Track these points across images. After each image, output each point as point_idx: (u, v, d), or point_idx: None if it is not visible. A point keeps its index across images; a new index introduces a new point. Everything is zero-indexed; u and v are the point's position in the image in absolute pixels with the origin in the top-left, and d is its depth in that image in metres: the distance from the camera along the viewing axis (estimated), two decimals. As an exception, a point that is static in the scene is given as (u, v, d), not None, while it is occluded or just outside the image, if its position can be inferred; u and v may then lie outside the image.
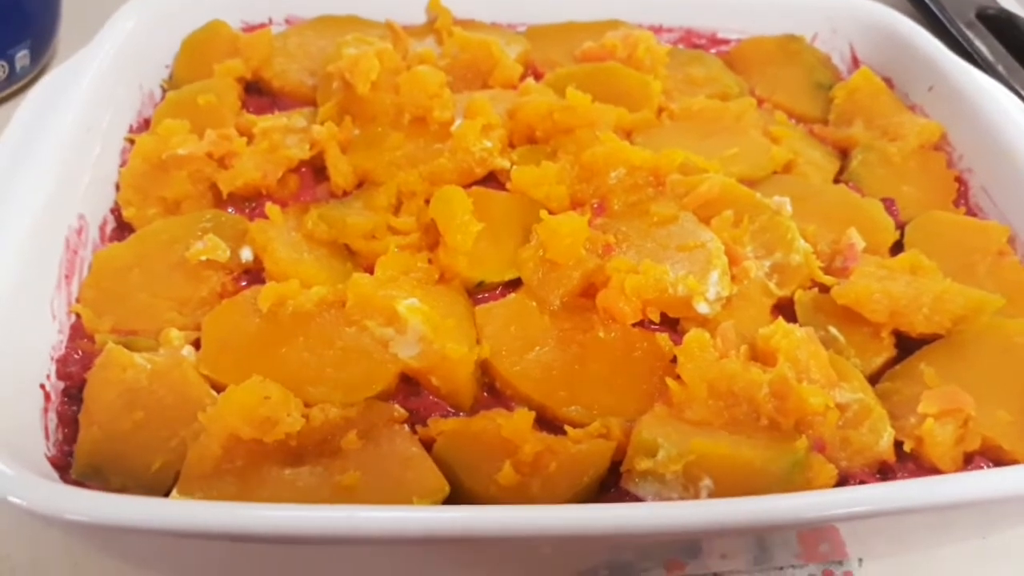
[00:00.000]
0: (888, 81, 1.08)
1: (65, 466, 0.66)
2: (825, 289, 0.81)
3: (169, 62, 1.00)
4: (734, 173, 0.90)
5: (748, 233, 0.83)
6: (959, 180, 0.95)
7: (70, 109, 0.82)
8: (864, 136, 0.98)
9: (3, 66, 1.12)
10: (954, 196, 0.94)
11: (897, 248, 0.87)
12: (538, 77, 1.04)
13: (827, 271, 0.83)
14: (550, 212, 0.85)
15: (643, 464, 0.66)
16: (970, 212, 0.93)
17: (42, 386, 0.69)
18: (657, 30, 1.13)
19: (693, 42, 1.13)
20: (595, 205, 0.87)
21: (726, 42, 1.14)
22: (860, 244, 0.84)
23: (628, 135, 0.95)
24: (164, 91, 0.98)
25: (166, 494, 0.64)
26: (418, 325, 0.72)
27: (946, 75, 1.00)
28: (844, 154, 0.99)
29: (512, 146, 0.93)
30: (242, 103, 0.96)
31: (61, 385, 0.71)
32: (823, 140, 1.01)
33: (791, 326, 0.74)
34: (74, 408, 0.70)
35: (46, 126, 0.80)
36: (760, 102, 1.05)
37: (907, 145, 0.96)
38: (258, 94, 0.99)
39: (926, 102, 1.03)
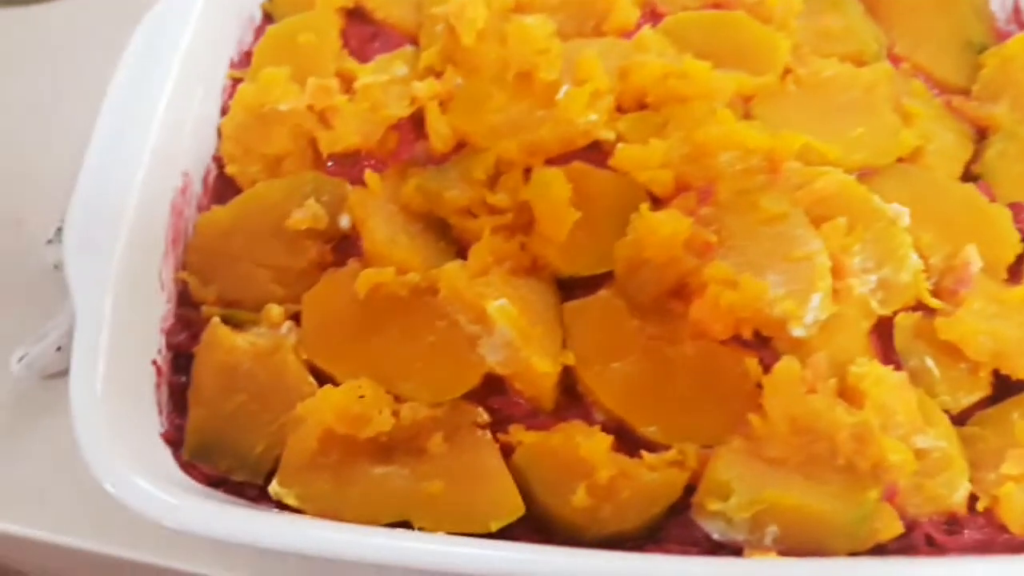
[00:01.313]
0: (1051, 43, 0.96)
1: (177, 441, 0.72)
2: (930, 311, 0.78)
3: (269, -24, 0.96)
4: (856, 161, 0.85)
5: (859, 242, 0.79)
6: (1106, 183, 0.87)
7: (174, 59, 0.81)
8: (1008, 119, 0.89)
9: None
10: (1097, 203, 0.86)
11: (1020, 262, 0.82)
12: (658, 18, 0.96)
13: (936, 290, 0.79)
14: (653, 197, 0.83)
15: (714, 506, 0.68)
16: (1112, 223, 0.86)
17: (154, 362, 0.74)
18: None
19: (836, -30, 1.01)
20: (701, 190, 0.83)
21: (873, -27, 1.02)
22: (976, 265, 0.79)
23: (747, 101, 0.89)
24: (264, 13, 0.94)
25: (267, 477, 0.71)
26: (506, 330, 0.73)
27: (1120, 51, 0.89)
28: (982, 135, 0.91)
29: (620, 110, 0.88)
30: (344, 34, 0.93)
31: (170, 356, 0.76)
32: (961, 116, 0.92)
33: (885, 370, 0.72)
34: (182, 379, 0.75)
35: (151, 76, 0.80)
36: (898, 61, 0.95)
37: (1055, 137, 0.88)
38: (360, 21, 0.95)
39: (1090, 77, 0.92)
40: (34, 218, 0.92)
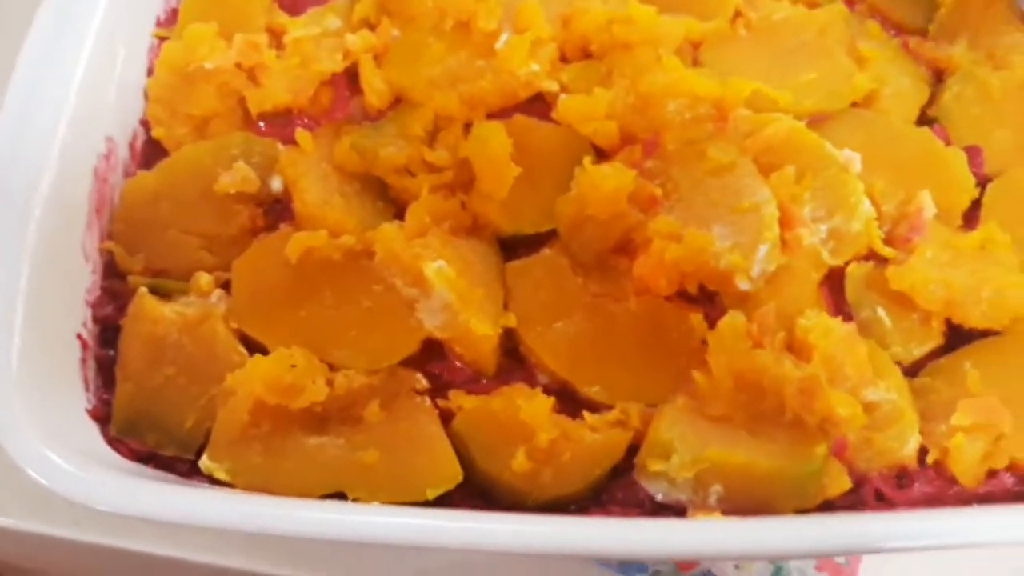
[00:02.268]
0: (1011, -21, 0.92)
1: (106, 418, 0.70)
2: (883, 260, 0.76)
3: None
4: (807, 106, 0.82)
5: (810, 190, 0.77)
6: (1065, 125, 0.84)
7: (92, 19, 0.77)
8: (965, 59, 0.86)
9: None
10: (1055, 144, 0.84)
11: (975, 207, 0.80)
12: (603, -38, 0.92)
13: (889, 238, 0.77)
14: (598, 150, 0.80)
15: (655, 466, 0.66)
16: (1070, 164, 0.84)
17: (79, 335, 0.71)
18: None
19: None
20: (647, 142, 0.80)
21: (828, -88, 0.97)
22: (930, 211, 0.77)
23: (695, 47, 0.86)
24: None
25: (198, 452, 0.69)
26: (444, 293, 0.70)
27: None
28: (938, 77, 0.88)
29: (564, 59, 0.84)
30: (274, -13, 0.89)
31: (96, 329, 0.73)
32: (918, 58, 0.89)
33: (833, 321, 0.70)
34: (110, 352, 0.73)
35: (67, 37, 0.76)
36: (853, 2, 0.91)
37: (1013, 77, 0.84)
38: (291, -28, 0.91)
39: (1051, 14, 0.89)
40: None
